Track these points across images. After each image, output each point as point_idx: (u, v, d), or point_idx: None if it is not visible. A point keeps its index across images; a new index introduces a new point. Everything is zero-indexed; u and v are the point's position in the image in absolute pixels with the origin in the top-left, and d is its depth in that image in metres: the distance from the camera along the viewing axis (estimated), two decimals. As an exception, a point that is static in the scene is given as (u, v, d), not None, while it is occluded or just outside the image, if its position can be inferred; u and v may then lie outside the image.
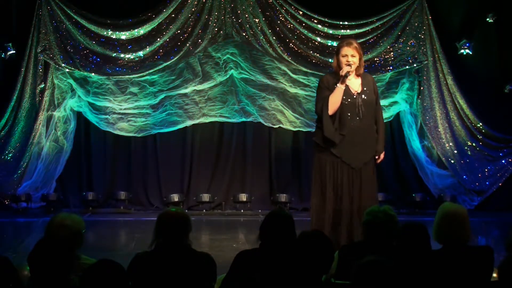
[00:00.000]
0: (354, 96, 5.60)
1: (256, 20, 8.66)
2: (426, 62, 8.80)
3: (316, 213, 5.64)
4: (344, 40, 5.89)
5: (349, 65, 5.54)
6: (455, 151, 8.83)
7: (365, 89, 5.65)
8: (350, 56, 5.56)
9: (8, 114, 8.56)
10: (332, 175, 5.59)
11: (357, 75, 5.68)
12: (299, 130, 8.91)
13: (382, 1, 8.88)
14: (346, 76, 5.51)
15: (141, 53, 8.64)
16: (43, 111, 8.65)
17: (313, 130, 8.75)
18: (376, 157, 5.70)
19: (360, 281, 2.85)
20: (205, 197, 8.81)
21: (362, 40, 8.73)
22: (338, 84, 5.52)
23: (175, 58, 8.62)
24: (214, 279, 3.62)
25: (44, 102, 8.63)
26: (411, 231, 3.71)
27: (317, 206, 5.64)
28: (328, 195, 5.57)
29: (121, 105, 8.75)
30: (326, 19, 8.70)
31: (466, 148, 8.82)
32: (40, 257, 3.10)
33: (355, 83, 5.65)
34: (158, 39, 8.63)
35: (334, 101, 5.53)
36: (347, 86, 5.59)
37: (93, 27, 8.62)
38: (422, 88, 8.90)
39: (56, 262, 3.09)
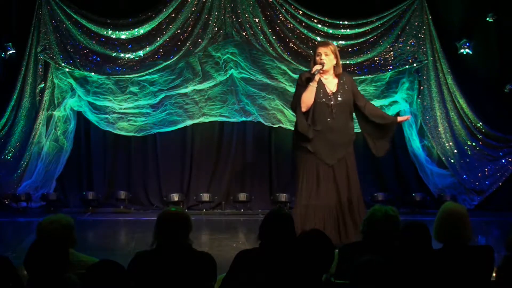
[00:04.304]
0: (329, 96, 5.77)
1: (256, 19, 8.66)
2: (426, 61, 8.80)
3: (294, 209, 5.84)
4: (321, 40, 6.07)
5: (321, 63, 5.71)
6: (455, 151, 8.83)
7: (341, 89, 5.83)
8: (324, 55, 5.77)
9: (8, 114, 8.56)
10: (307, 171, 5.76)
11: (336, 75, 5.84)
12: (299, 130, 8.90)
13: (382, 1, 8.88)
14: (314, 74, 5.71)
15: (141, 53, 8.64)
16: (43, 111, 8.65)
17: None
18: (399, 119, 6.25)
19: (357, 281, 2.85)
20: (205, 196, 8.81)
21: (362, 39, 8.75)
22: (310, 83, 5.72)
23: (175, 58, 8.62)
24: (214, 278, 3.62)
25: (44, 102, 8.63)
26: (412, 231, 3.70)
27: (295, 202, 5.89)
28: (303, 191, 5.75)
29: (121, 105, 8.75)
30: (326, 19, 8.70)
31: (466, 147, 8.82)
32: (36, 258, 3.11)
33: (331, 83, 5.85)
34: (158, 39, 8.63)
35: (306, 99, 5.76)
36: (323, 86, 5.78)
37: (93, 27, 8.62)
38: (422, 87, 8.90)
39: (51, 260, 3.10)
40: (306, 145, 5.78)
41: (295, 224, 5.54)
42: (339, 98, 5.79)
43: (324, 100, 5.76)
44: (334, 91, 5.80)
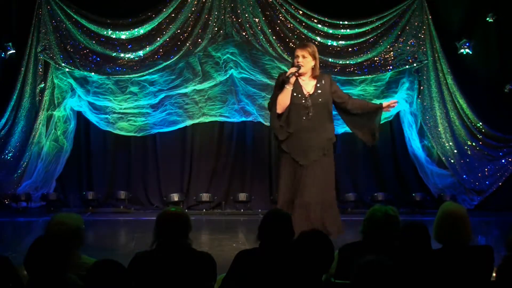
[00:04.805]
0: (305, 97, 5.80)
1: (256, 19, 8.66)
2: (426, 61, 8.80)
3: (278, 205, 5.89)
4: (300, 42, 6.06)
5: (298, 66, 5.78)
6: (455, 151, 8.83)
7: (318, 91, 5.85)
8: (301, 57, 5.82)
9: (8, 114, 8.56)
10: (284, 170, 5.85)
11: (313, 76, 5.88)
12: (299, 130, 8.90)
13: (382, 1, 8.88)
14: (289, 77, 5.76)
15: (141, 53, 8.64)
16: (43, 111, 8.65)
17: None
18: (385, 104, 6.01)
19: (360, 281, 2.85)
20: (205, 196, 8.81)
21: (362, 39, 8.75)
22: (286, 85, 5.77)
23: (175, 58, 8.62)
24: (214, 278, 3.62)
25: (44, 102, 8.63)
26: (412, 231, 3.70)
27: (277, 199, 5.98)
28: (282, 189, 5.84)
29: (121, 105, 8.75)
30: (326, 19, 8.71)
31: (466, 147, 8.82)
32: (37, 257, 3.11)
33: (309, 85, 5.88)
34: (158, 39, 8.63)
35: (281, 101, 5.80)
36: (300, 87, 5.84)
37: (93, 27, 8.62)
38: (422, 87, 8.90)
39: (51, 260, 3.10)
40: (282, 145, 5.85)
41: None
42: (316, 100, 5.81)
43: (300, 101, 5.80)
44: (311, 92, 5.82)
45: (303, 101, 5.79)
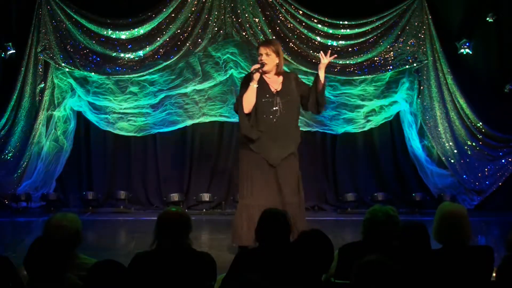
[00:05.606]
0: (273, 94, 5.76)
1: (256, 19, 8.65)
2: (426, 61, 8.79)
3: (237, 209, 5.86)
4: (264, 39, 5.94)
5: (261, 63, 5.72)
6: (455, 151, 8.82)
7: (285, 88, 5.80)
8: (264, 55, 5.76)
9: (8, 114, 8.56)
10: (249, 171, 5.76)
11: (278, 74, 5.83)
12: (299, 130, 8.89)
13: (382, 1, 8.87)
14: (253, 73, 5.70)
15: (141, 53, 8.64)
16: (43, 111, 8.65)
17: (313, 129, 8.87)
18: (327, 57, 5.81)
19: (360, 281, 2.85)
20: (205, 196, 8.81)
21: (362, 39, 8.74)
22: (250, 83, 5.72)
23: (175, 58, 8.62)
24: (214, 278, 3.62)
25: (44, 102, 8.63)
26: (411, 231, 3.71)
27: (239, 202, 5.89)
28: (245, 191, 5.75)
29: (121, 105, 8.75)
30: (326, 19, 8.70)
31: (466, 147, 8.82)
32: (36, 258, 3.11)
33: (275, 82, 5.84)
34: (158, 39, 8.63)
35: (247, 100, 5.73)
36: (267, 84, 5.79)
37: (93, 27, 8.62)
38: (422, 87, 8.89)
39: (53, 262, 3.10)
40: (250, 145, 5.75)
41: (239, 225, 5.62)
42: (285, 97, 5.76)
43: (267, 99, 5.74)
44: (278, 89, 5.78)
45: (271, 99, 5.74)
